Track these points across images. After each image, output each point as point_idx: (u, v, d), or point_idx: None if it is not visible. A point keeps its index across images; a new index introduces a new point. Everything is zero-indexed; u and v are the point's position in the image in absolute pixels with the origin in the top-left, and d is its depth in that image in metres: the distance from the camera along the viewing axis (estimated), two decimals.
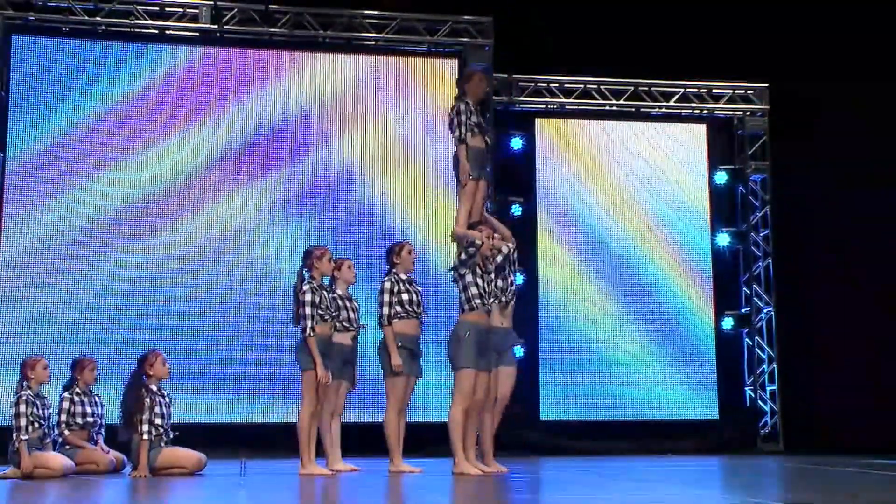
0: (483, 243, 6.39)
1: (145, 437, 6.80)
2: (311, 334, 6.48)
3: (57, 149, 9.72)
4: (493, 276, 6.49)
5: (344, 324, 6.95)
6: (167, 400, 7.07)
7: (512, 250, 6.75)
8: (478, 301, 6.33)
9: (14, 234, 9.52)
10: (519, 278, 10.38)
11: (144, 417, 6.84)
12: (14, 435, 6.76)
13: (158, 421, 6.90)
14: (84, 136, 9.78)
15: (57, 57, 9.83)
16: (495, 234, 6.66)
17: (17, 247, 9.50)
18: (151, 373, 7.03)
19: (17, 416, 6.77)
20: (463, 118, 6.64)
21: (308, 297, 6.54)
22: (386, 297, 6.72)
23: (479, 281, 6.35)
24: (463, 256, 6.42)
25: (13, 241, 9.50)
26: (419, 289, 6.92)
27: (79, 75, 9.84)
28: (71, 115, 9.77)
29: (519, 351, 10.23)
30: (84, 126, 9.79)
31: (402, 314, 6.73)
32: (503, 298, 6.62)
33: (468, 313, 6.35)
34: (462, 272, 6.38)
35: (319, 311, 6.57)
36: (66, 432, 7.22)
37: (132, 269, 9.66)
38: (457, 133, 6.65)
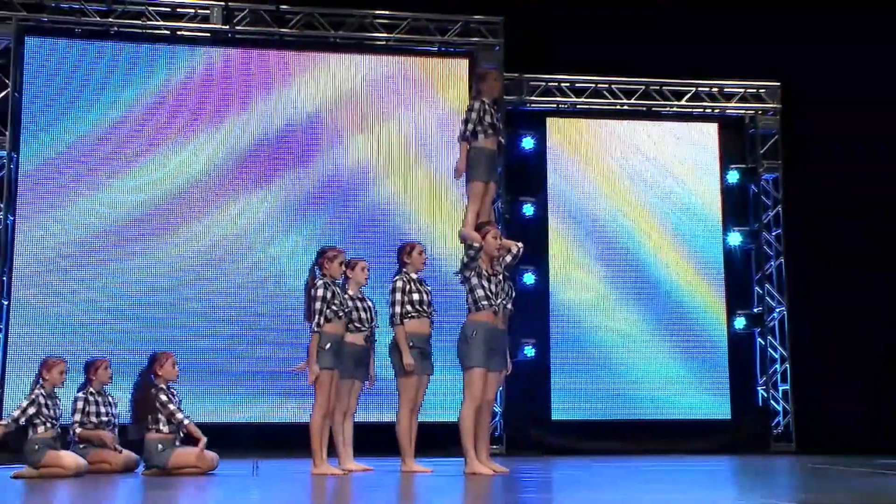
0: (482, 246, 6.39)
1: (185, 421, 6.94)
2: (317, 329, 6.47)
3: (70, 150, 9.76)
4: (500, 277, 6.48)
5: (356, 324, 6.96)
6: (177, 399, 7.10)
7: (519, 251, 6.72)
8: (484, 303, 6.33)
9: (28, 235, 9.56)
10: (530, 278, 10.42)
11: (165, 412, 6.88)
12: (30, 432, 6.82)
13: (179, 415, 6.94)
14: (97, 136, 9.82)
15: (70, 58, 9.87)
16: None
17: (30, 247, 9.54)
18: (161, 373, 7.06)
19: (24, 415, 6.82)
20: (473, 115, 6.63)
21: (320, 292, 6.53)
22: (398, 297, 6.72)
23: (485, 283, 6.35)
24: (465, 260, 6.44)
25: (27, 242, 9.54)
26: (429, 289, 6.92)
27: (92, 76, 9.88)
28: (84, 116, 9.82)
29: (530, 351, 10.29)
30: (98, 126, 9.83)
31: (413, 314, 6.74)
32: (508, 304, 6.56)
33: (476, 313, 6.36)
34: (467, 275, 6.40)
35: (333, 308, 6.55)
36: (79, 430, 7.25)
37: (145, 269, 9.69)
38: (461, 129, 6.65)
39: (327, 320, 6.52)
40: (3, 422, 6.90)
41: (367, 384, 7.18)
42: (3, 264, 9.44)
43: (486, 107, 6.69)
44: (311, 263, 6.76)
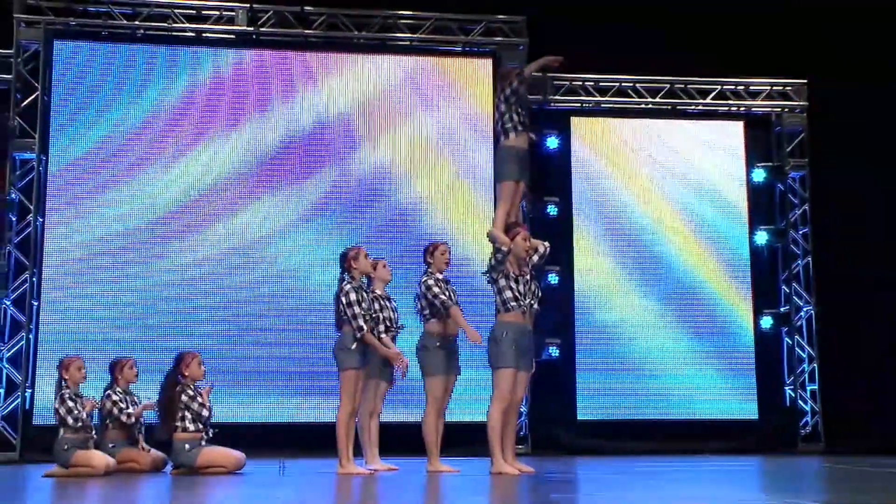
0: (510, 249, 6.39)
1: (208, 400, 7.04)
2: (365, 331, 6.47)
3: (97, 151, 9.85)
4: (528, 277, 6.48)
5: (386, 323, 6.98)
6: (203, 399, 7.15)
7: (546, 251, 6.72)
8: (513, 304, 6.34)
9: (56, 236, 9.66)
10: (554, 278, 10.40)
11: (195, 406, 6.93)
12: (60, 432, 6.89)
13: (205, 413, 6.99)
14: (124, 138, 9.90)
15: (97, 61, 9.97)
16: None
17: (59, 248, 9.64)
18: (187, 373, 7.12)
19: (58, 412, 6.88)
20: (513, 97, 6.64)
21: (353, 296, 6.52)
22: (437, 290, 6.73)
23: (513, 284, 6.35)
24: (493, 262, 6.44)
25: (56, 243, 9.64)
26: (453, 288, 6.94)
27: (118, 79, 9.96)
28: (112, 117, 9.90)
29: (555, 351, 10.27)
30: (124, 128, 9.91)
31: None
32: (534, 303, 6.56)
33: (505, 314, 6.37)
34: (495, 276, 6.40)
35: (361, 311, 6.55)
36: (131, 410, 7.31)
37: (172, 269, 9.76)
38: (514, 118, 6.67)
39: None
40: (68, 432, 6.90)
41: (399, 376, 7.15)
42: (33, 265, 9.54)
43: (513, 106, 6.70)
44: (339, 272, 6.73)
